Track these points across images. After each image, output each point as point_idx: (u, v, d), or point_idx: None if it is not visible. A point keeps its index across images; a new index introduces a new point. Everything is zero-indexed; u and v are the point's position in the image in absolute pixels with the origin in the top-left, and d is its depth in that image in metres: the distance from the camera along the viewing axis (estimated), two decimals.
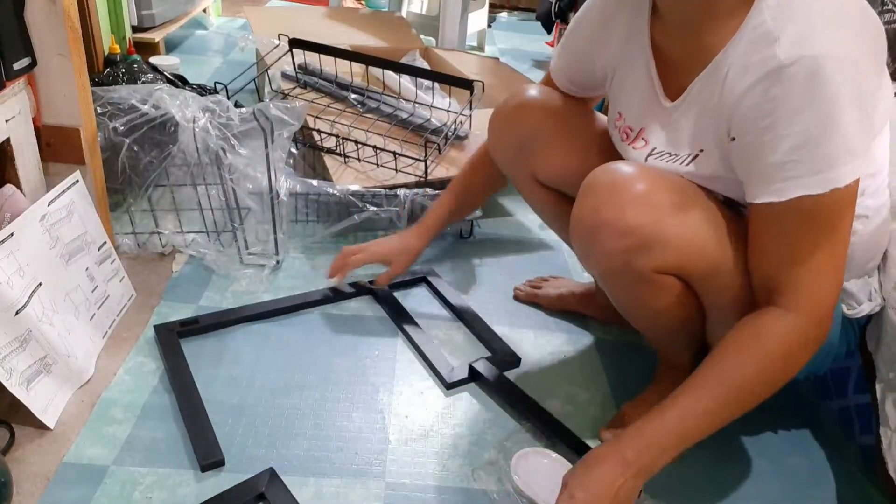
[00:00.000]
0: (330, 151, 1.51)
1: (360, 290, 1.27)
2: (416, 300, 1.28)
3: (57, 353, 0.95)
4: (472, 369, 1.08)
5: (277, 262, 1.31)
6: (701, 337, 0.94)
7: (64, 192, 1.04)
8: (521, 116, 1.07)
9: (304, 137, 1.57)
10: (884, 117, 0.78)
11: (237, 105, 1.35)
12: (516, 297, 1.31)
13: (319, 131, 1.53)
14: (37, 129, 1.07)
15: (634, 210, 0.79)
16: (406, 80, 1.73)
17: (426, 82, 1.69)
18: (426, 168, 1.46)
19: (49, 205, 1.00)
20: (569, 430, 0.98)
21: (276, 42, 1.72)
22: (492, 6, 3.64)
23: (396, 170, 1.46)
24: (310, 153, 1.57)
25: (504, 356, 1.13)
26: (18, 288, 0.90)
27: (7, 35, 0.97)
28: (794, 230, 0.73)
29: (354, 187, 1.39)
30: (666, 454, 0.76)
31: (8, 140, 1.01)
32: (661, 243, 0.80)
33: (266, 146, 1.26)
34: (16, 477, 0.83)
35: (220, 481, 0.87)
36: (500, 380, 1.06)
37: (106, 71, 1.63)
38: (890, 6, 1.37)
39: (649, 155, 0.89)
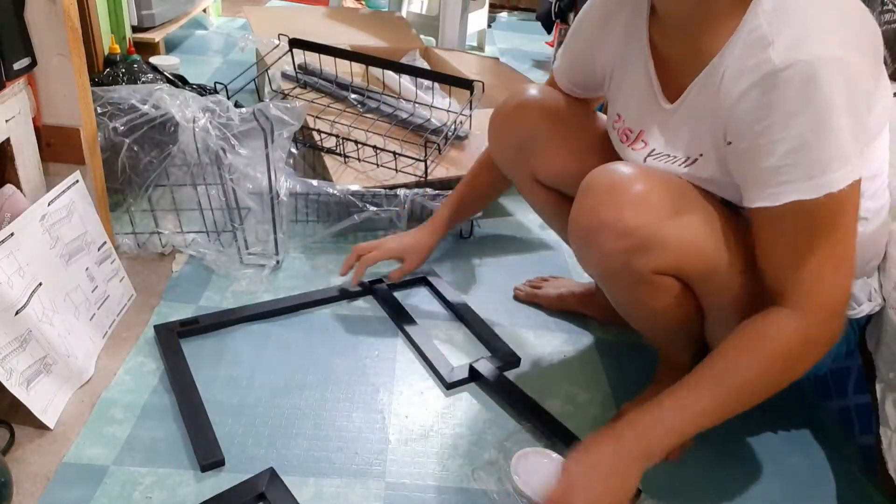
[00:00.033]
0: (330, 151, 1.51)
1: (364, 289, 1.27)
2: (416, 300, 1.28)
3: (57, 353, 0.95)
4: (472, 369, 1.08)
5: (277, 262, 1.31)
6: (700, 337, 0.94)
7: (64, 192, 1.04)
8: (520, 116, 1.07)
9: (304, 137, 1.57)
10: (882, 118, 0.78)
11: (237, 105, 1.35)
12: (516, 297, 1.31)
13: (319, 131, 1.53)
14: (37, 129, 1.07)
15: (633, 211, 0.79)
16: (406, 80, 1.73)
17: (426, 82, 1.69)
18: (426, 168, 1.46)
19: (49, 205, 1.00)
20: (569, 430, 0.98)
21: (276, 42, 1.73)
22: (492, 6, 3.64)
23: (396, 170, 1.46)
24: (310, 153, 1.57)
25: (504, 356, 1.13)
26: (18, 288, 0.90)
27: (7, 35, 0.97)
28: (792, 233, 0.73)
29: (354, 187, 1.39)
30: (665, 441, 0.76)
31: (8, 140, 1.01)
32: (659, 244, 0.80)
33: (266, 146, 1.26)
34: (16, 477, 0.83)
35: (220, 481, 0.87)
36: (500, 380, 1.06)
37: (106, 71, 1.63)
38: (890, 6, 1.37)
39: (648, 156, 0.89)
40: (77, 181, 1.07)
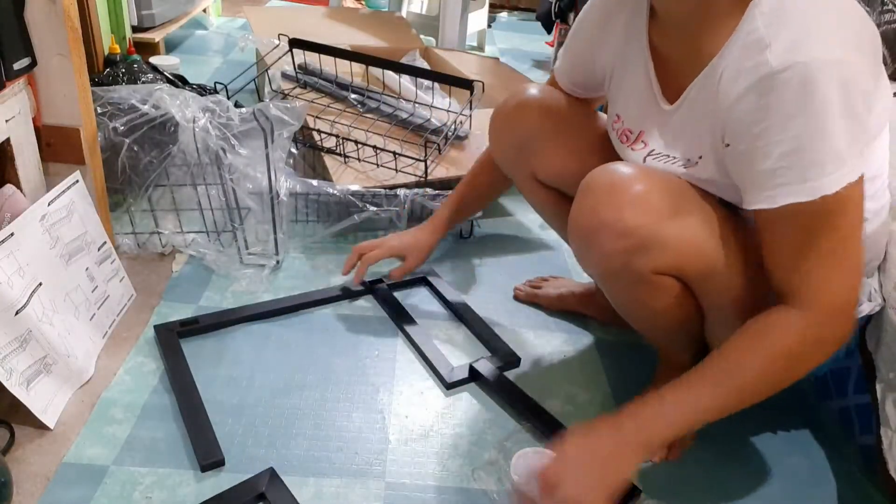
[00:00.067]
0: (330, 151, 1.51)
1: (364, 288, 1.27)
2: (416, 300, 1.28)
3: (57, 353, 0.95)
4: (472, 369, 1.08)
5: (277, 262, 1.31)
6: (700, 337, 0.94)
7: (64, 192, 1.04)
8: (521, 116, 1.07)
9: (304, 137, 1.57)
10: (882, 118, 0.78)
11: (237, 105, 1.35)
12: (516, 297, 1.31)
13: (319, 131, 1.53)
14: (37, 129, 1.07)
15: (633, 211, 0.79)
16: (406, 80, 1.73)
17: (426, 82, 1.69)
18: (426, 168, 1.46)
19: (49, 205, 1.00)
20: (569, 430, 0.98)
21: (276, 42, 1.73)
22: (492, 6, 3.64)
23: (396, 170, 1.46)
24: (310, 153, 1.57)
25: (504, 356, 1.13)
26: (18, 288, 0.90)
27: (7, 35, 0.97)
28: (793, 234, 0.73)
29: (354, 187, 1.39)
30: (665, 434, 0.77)
31: (8, 140, 1.01)
32: (659, 244, 0.80)
33: (266, 146, 1.26)
34: (16, 477, 0.83)
35: (220, 481, 0.87)
36: (500, 380, 1.06)
37: (106, 71, 1.63)
38: (890, 6, 1.37)
39: (648, 156, 0.89)
40: (77, 181, 1.07)
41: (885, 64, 1.01)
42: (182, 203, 1.32)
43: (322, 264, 1.34)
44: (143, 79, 1.60)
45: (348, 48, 1.77)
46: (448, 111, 1.65)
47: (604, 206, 0.81)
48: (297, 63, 1.76)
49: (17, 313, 0.89)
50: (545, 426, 0.99)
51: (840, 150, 0.68)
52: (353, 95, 1.68)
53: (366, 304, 1.25)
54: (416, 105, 1.66)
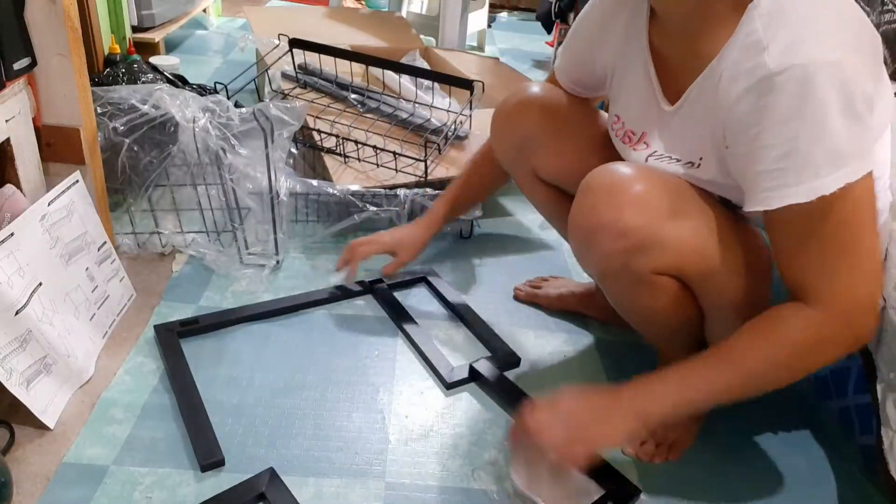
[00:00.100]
0: (330, 151, 1.51)
1: (364, 288, 1.27)
2: (416, 300, 1.28)
3: (57, 353, 0.95)
4: (472, 369, 1.08)
5: (277, 262, 1.31)
6: (700, 337, 0.94)
7: (64, 192, 1.04)
8: (521, 115, 1.07)
9: (304, 137, 1.57)
10: (882, 118, 0.78)
11: (237, 105, 1.35)
12: (516, 297, 1.31)
13: (319, 131, 1.53)
14: (37, 129, 1.07)
15: (633, 211, 0.79)
16: (406, 80, 1.73)
17: (426, 82, 1.69)
18: (426, 168, 1.46)
19: (49, 205, 1.00)
20: None
21: (276, 42, 1.73)
22: (492, 6, 3.64)
23: (396, 170, 1.46)
24: (310, 153, 1.57)
25: (504, 356, 1.13)
26: (18, 288, 0.90)
27: (7, 35, 0.97)
28: (797, 235, 0.73)
29: (354, 187, 1.39)
30: (663, 410, 0.77)
31: (8, 140, 1.01)
32: (659, 244, 0.80)
33: (266, 146, 1.26)
34: (16, 477, 0.83)
35: (220, 481, 0.87)
36: (500, 380, 1.06)
37: (106, 71, 1.63)
38: (890, 6, 1.37)
39: (650, 156, 0.89)
40: (77, 181, 1.07)
41: (886, 64, 1.01)
42: (182, 203, 1.32)
43: (322, 264, 1.34)
44: (143, 79, 1.60)
45: (348, 48, 1.78)
46: (448, 111, 1.65)
47: (603, 205, 0.81)
48: (297, 63, 1.76)
49: (17, 313, 0.89)
50: None
51: (839, 150, 0.68)
52: (353, 95, 1.68)
53: (366, 304, 1.25)
54: (416, 105, 1.66)
